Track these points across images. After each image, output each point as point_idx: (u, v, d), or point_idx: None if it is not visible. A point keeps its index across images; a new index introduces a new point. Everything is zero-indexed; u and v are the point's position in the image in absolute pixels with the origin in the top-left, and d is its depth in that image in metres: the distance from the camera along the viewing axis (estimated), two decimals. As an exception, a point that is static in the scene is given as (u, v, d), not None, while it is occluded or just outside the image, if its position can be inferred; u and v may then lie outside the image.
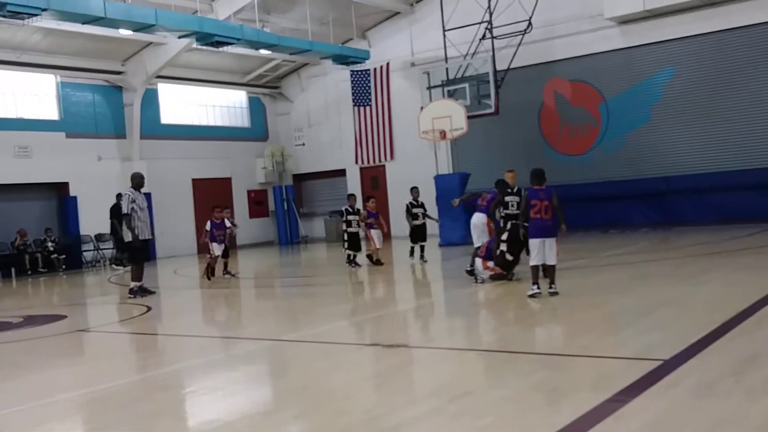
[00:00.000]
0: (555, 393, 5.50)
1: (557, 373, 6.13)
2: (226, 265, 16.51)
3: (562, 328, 8.37)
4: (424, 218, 16.63)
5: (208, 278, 15.96)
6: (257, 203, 29.66)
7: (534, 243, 9.90)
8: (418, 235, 16.48)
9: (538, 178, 10.04)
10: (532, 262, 9.94)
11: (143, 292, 13.51)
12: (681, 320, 7.85)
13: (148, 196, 15.08)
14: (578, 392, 5.42)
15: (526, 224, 10.46)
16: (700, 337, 6.71)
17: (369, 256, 16.51)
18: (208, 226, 16.26)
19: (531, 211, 9.85)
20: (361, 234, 16.72)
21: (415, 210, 16.59)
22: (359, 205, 18.03)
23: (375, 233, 16.29)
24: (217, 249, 16.05)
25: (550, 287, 9.84)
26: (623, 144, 22.48)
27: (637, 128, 22.22)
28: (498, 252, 11.73)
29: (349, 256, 16.32)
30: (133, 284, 13.51)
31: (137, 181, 13.44)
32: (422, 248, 16.46)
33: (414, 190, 16.96)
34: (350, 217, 16.48)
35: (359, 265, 16.18)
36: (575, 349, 6.95)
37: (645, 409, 4.88)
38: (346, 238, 16.42)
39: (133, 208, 13.04)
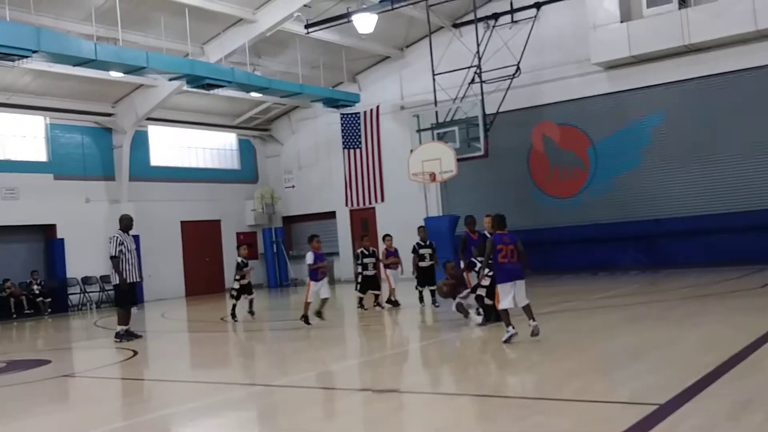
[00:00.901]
0: (550, 439, 5.41)
1: (551, 417, 6.04)
2: (251, 302, 16.12)
3: (555, 371, 8.26)
4: (431, 259, 15.78)
5: (307, 322, 13.59)
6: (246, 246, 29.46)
7: (505, 287, 9.86)
8: (426, 277, 15.67)
9: (500, 223, 10.29)
10: (502, 306, 9.88)
11: (130, 336, 13.29)
12: (674, 363, 7.79)
13: (136, 238, 14.96)
14: (573, 438, 5.33)
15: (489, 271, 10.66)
16: (695, 380, 6.64)
17: (389, 300, 16.07)
18: (310, 259, 13.60)
19: (498, 255, 9.95)
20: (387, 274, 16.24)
21: (422, 251, 15.76)
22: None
23: (392, 273, 16.05)
24: (315, 287, 13.55)
25: (531, 322, 9.69)
26: (612, 187, 22.59)
27: (626, 171, 22.36)
28: (475, 294, 11.80)
29: (360, 299, 15.94)
30: (119, 328, 13.30)
31: (125, 223, 13.36)
32: (432, 293, 15.49)
33: (421, 230, 16.43)
34: (366, 260, 15.92)
35: (382, 307, 15.87)
36: (569, 393, 6.85)
37: (642, 456, 4.79)
38: (359, 280, 15.92)
39: (121, 251, 12.94)
